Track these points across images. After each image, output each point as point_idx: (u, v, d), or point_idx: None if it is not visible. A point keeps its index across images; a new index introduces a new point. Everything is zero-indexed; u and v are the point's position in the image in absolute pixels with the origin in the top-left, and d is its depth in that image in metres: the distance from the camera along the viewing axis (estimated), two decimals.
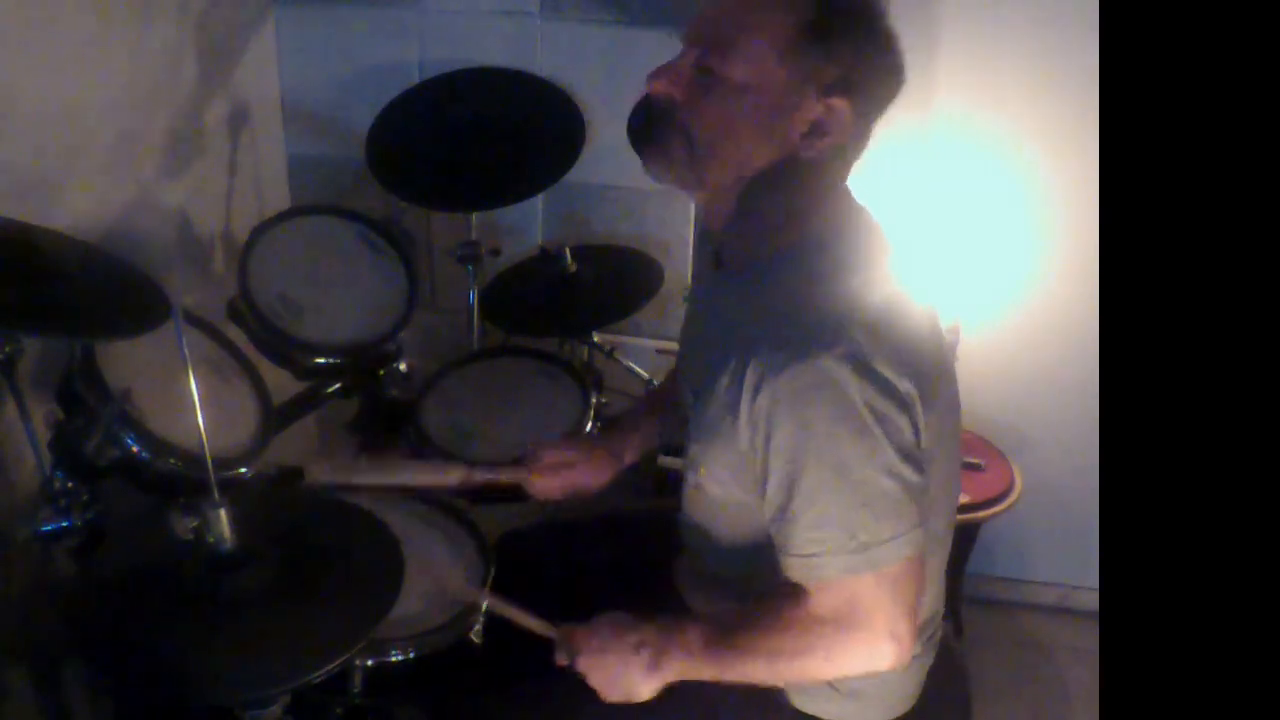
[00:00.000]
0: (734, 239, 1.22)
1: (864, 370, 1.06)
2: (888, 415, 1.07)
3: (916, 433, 1.09)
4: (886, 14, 1.13)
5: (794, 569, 1.14)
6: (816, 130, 1.11)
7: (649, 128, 1.19)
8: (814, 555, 1.11)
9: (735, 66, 1.09)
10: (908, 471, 1.09)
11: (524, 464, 1.51)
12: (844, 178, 1.20)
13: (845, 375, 1.05)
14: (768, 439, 1.10)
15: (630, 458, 1.54)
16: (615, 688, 1.19)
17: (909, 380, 1.08)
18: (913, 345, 1.12)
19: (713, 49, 1.11)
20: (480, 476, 1.52)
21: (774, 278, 1.16)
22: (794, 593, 1.15)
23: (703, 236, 1.35)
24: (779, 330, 1.10)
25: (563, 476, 1.49)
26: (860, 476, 1.08)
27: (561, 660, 1.23)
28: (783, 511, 1.12)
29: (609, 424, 1.73)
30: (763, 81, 1.09)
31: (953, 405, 1.23)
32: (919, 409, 1.09)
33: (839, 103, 1.10)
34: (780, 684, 1.24)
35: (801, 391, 1.07)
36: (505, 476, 1.52)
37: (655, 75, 1.14)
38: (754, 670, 1.17)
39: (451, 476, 1.53)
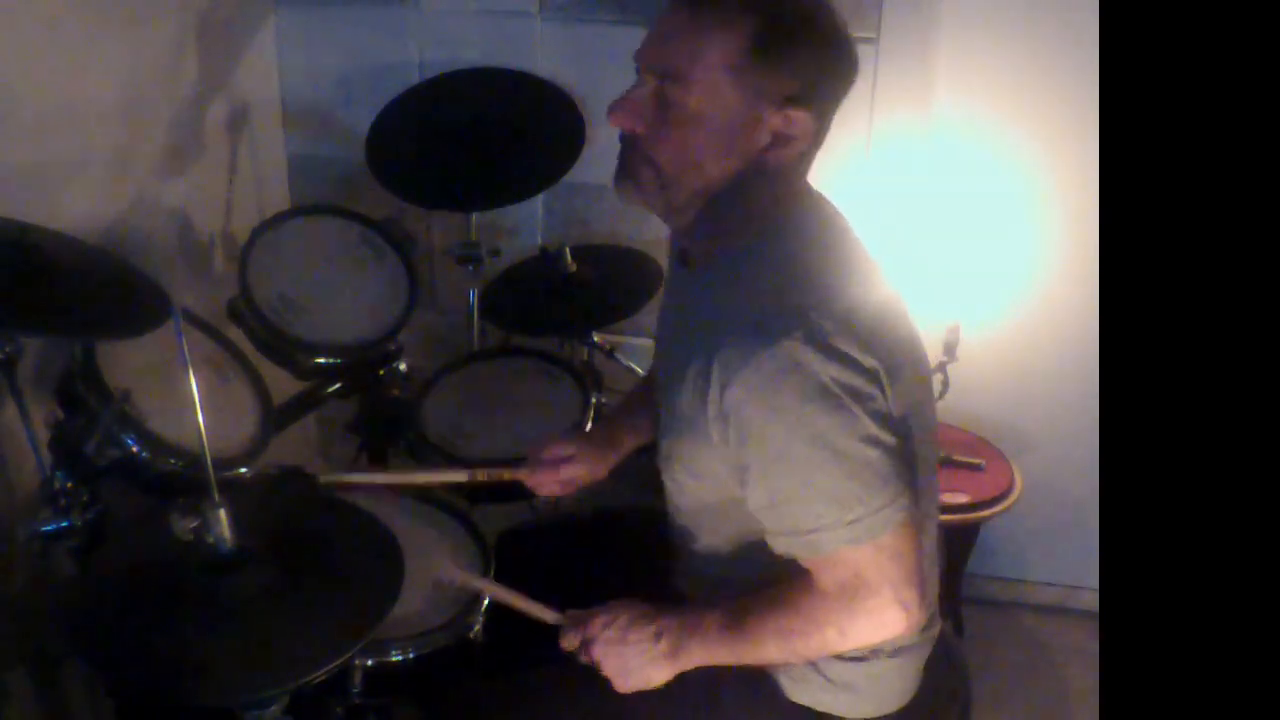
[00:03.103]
0: (699, 239, 1.24)
1: (826, 349, 1.07)
2: (856, 387, 1.08)
3: (888, 401, 1.10)
4: (830, 12, 1.14)
5: (795, 548, 1.15)
6: (778, 141, 1.13)
7: (619, 158, 1.21)
8: (811, 531, 1.12)
9: (691, 95, 1.11)
10: (887, 437, 1.09)
11: (523, 463, 1.53)
12: (805, 173, 1.21)
13: (809, 356, 1.06)
14: (741, 431, 1.11)
15: (628, 446, 1.55)
16: (631, 677, 1.20)
17: (872, 357, 1.09)
18: (875, 324, 1.12)
19: (667, 78, 1.12)
20: (483, 476, 1.56)
21: (736, 273, 1.17)
22: (800, 573, 1.16)
23: (672, 235, 1.36)
24: (741, 323, 1.10)
25: (562, 470, 1.50)
26: (842, 449, 1.08)
27: (569, 645, 1.23)
28: (771, 496, 1.13)
29: (603, 418, 1.75)
30: (718, 105, 1.11)
31: (924, 385, 1.24)
32: (885, 381, 1.10)
33: (797, 113, 1.11)
34: (798, 661, 1.24)
35: (769, 378, 1.07)
36: (508, 474, 1.54)
37: (615, 108, 1.16)
38: (768, 652, 1.19)
39: (455, 476, 1.57)
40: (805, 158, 1.18)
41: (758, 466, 1.12)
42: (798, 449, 1.09)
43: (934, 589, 1.31)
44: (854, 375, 1.07)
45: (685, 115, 1.12)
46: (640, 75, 1.16)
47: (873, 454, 1.09)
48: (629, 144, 1.18)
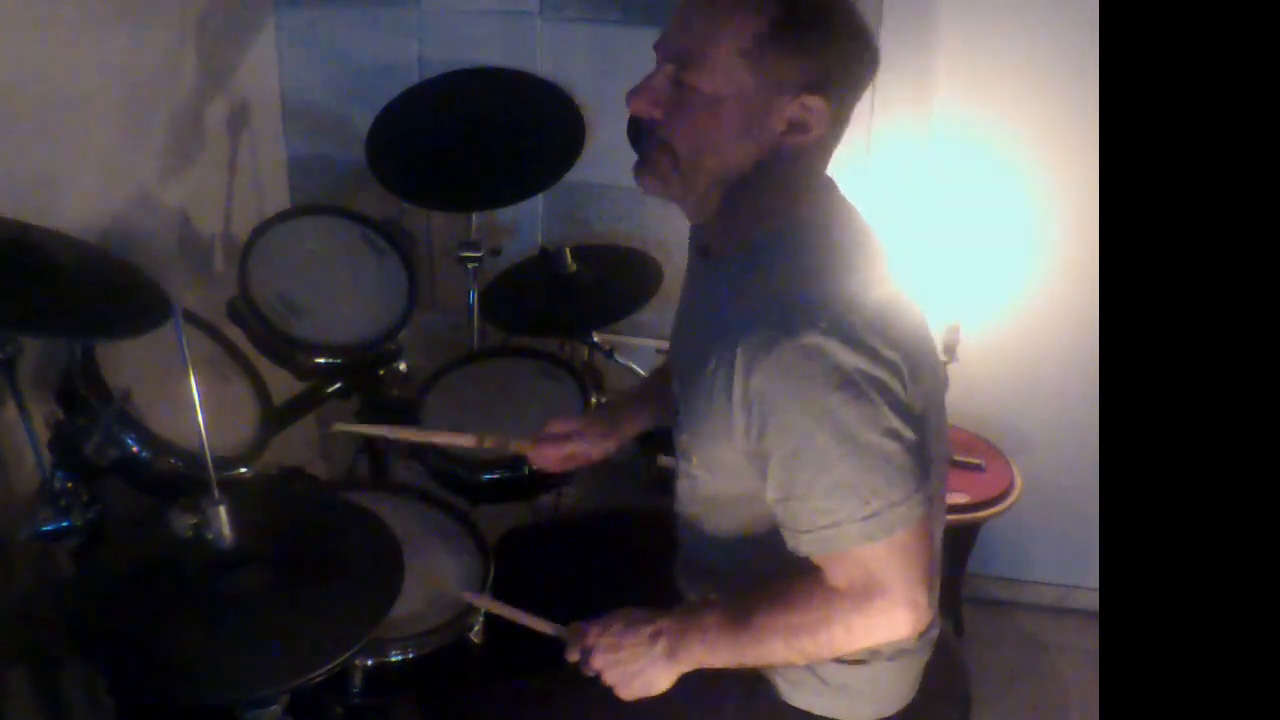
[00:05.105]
0: (720, 230, 1.24)
1: (851, 340, 1.07)
2: (880, 379, 1.08)
3: (908, 395, 1.10)
4: (848, 2, 1.14)
5: (806, 544, 1.13)
6: (795, 128, 1.13)
7: (636, 146, 1.20)
8: (827, 527, 1.11)
9: (706, 79, 1.11)
10: (907, 431, 1.09)
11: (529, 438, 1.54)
12: (825, 165, 1.21)
13: (834, 346, 1.06)
14: (764, 420, 1.10)
15: (630, 430, 1.55)
16: (633, 684, 1.19)
17: (895, 350, 1.09)
18: (897, 321, 1.13)
19: (684, 63, 1.12)
20: (490, 443, 1.56)
21: (759, 263, 1.17)
22: (808, 569, 1.15)
23: (693, 228, 1.35)
24: (765, 313, 1.10)
25: (565, 446, 1.51)
26: (864, 440, 1.08)
27: (574, 657, 1.22)
28: (789, 489, 1.12)
29: (609, 402, 1.74)
30: (735, 90, 1.11)
31: (937, 393, 1.24)
32: (906, 375, 1.10)
33: (813, 100, 1.11)
34: (801, 661, 1.22)
35: (793, 367, 1.07)
36: (515, 446, 1.56)
37: (634, 94, 1.16)
38: (773, 650, 1.17)
39: (464, 441, 1.56)
40: (824, 147, 1.18)
41: (777, 457, 1.11)
42: (819, 439, 1.09)
43: (936, 591, 1.31)
44: (878, 367, 1.08)
45: (701, 99, 1.12)
46: (659, 64, 1.16)
47: (892, 447, 1.08)
48: (647, 132, 1.17)
